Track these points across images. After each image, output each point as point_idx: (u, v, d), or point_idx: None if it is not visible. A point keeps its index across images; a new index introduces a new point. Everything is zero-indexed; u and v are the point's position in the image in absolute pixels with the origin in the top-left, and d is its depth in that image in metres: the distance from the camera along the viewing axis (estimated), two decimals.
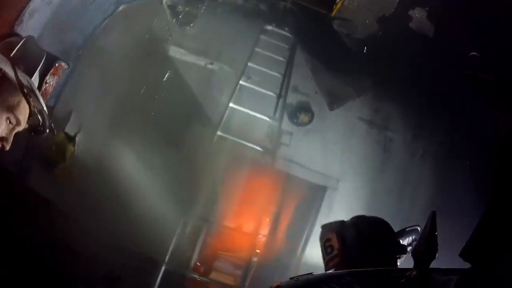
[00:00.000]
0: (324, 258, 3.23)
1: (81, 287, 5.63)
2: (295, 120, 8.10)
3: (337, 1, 7.33)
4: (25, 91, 2.49)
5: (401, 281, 1.96)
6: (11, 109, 2.45)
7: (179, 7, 7.63)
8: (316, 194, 8.07)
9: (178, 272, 6.94)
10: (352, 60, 7.88)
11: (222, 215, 7.68)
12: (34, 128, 2.75)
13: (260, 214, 7.63)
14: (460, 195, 7.12)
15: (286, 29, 8.07)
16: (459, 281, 1.95)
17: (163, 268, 6.81)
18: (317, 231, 7.81)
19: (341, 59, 7.94)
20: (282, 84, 7.87)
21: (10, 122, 2.52)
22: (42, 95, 2.91)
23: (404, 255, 3.11)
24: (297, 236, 7.97)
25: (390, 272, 2.24)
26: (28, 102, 2.57)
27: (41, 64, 3.68)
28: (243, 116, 7.57)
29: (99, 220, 6.14)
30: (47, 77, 4.13)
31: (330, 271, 3.08)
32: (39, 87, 3.80)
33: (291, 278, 2.36)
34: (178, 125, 7.41)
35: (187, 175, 7.18)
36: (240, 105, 7.53)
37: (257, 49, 7.83)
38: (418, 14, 7.10)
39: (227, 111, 7.49)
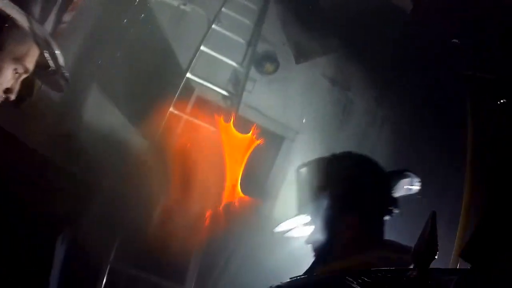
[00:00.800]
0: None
1: (45, 224, 5.59)
2: (260, 68, 8.21)
3: None
4: (37, 40, 2.41)
5: (401, 281, 2.09)
6: (19, 59, 2.40)
7: None
8: (273, 143, 8.24)
9: None
10: (324, 18, 7.96)
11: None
12: (43, 70, 2.65)
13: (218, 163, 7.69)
14: (418, 168, 7.35)
15: None
16: (459, 281, 2.09)
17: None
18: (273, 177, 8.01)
19: (313, 15, 8.02)
20: (252, 32, 7.94)
21: (17, 72, 2.43)
22: (57, 35, 2.83)
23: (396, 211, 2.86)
24: (253, 185, 8.12)
25: (390, 272, 2.26)
26: (40, 49, 2.46)
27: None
28: (211, 60, 7.59)
29: (68, 158, 6.09)
30: (65, 16, 3.95)
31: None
32: (55, 28, 3.62)
33: (291, 278, 2.44)
34: (147, 68, 7.31)
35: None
36: (210, 48, 7.53)
37: None
38: None
39: (197, 54, 7.48)
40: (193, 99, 7.75)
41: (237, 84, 7.90)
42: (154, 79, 7.30)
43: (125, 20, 7.17)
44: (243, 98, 7.84)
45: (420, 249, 1.96)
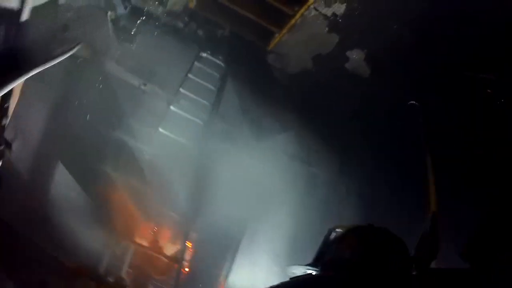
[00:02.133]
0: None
1: None
2: (220, 148, 8.15)
3: (275, 35, 7.54)
4: None
5: (401, 281, 2.04)
6: None
7: (122, 22, 7.56)
8: (238, 225, 8.08)
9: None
10: (281, 94, 8.08)
11: (145, 236, 7.52)
12: None
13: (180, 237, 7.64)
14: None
15: (220, 57, 8.26)
16: (459, 281, 2.05)
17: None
18: (238, 262, 7.88)
19: (270, 92, 8.11)
20: (210, 113, 7.98)
21: None
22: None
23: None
24: (219, 263, 7.94)
25: (390, 272, 2.26)
26: None
27: None
28: (172, 141, 7.56)
29: (33, 227, 5.93)
30: None
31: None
32: None
33: (291, 278, 2.43)
34: (107, 145, 7.25)
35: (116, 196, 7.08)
36: (169, 131, 7.49)
37: (190, 75, 8.01)
38: (355, 56, 7.44)
39: (155, 135, 7.45)
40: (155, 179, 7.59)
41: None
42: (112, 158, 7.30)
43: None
44: (205, 179, 7.78)
45: (420, 249, 2.02)
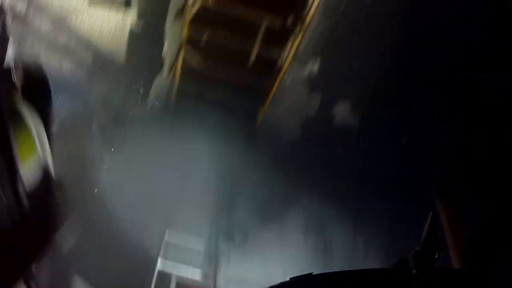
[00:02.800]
0: None
1: None
2: (231, 241, 8.08)
3: (259, 111, 7.68)
4: None
5: (402, 281, 2.03)
6: None
7: (107, 130, 7.69)
8: None
9: None
10: (279, 172, 8.11)
11: None
12: None
13: None
14: None
15: None
16: (459, 281, 2.05)
17: None
18: None
19: (269, 173, 8.16)
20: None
21: None
22: None
23: None
24: None
25: (390, 272, 2.27)
26: None
27: None
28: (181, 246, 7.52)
29: None
30: None
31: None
32: None
33: (291, 278, 2.52)
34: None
35: None
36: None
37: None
38: (340, 111, 7.56)
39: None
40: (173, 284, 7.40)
41: (212, 261, 7.71)
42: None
43: None
44: (225, 273, 7.73)
45: (420, 249, 2.02)
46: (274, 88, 7.37)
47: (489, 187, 5.75)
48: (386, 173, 7.55)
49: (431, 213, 2.07)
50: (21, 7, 6.93)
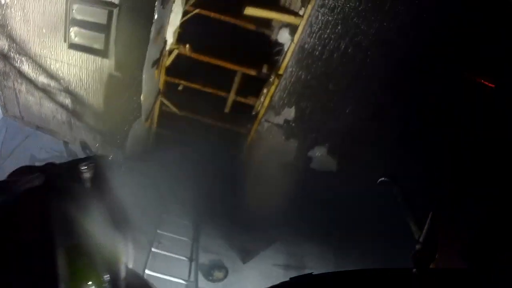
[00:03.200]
0: None
1: None
2: (211, 278, 8.17)
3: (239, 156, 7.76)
4: None
5: (401, 281, 2.06)
6: None
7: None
8: None
9: None
10: (260, 214, 8.17)
11: None
12: None
13: None
14: None
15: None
16: (459, 281, 2.07)
17: None
18: None
19: (247, 212, 8.20)
20: (191, 247, 8.01)
21: None
22: None
23: None
24: None
25: (390, 272, 2.28)
26: None
27: None
28: (161, 281, 7.49)
29: None
30: None
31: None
32: None
33: (291, 278, 2.45)
34: None
35: None
36: (155, 271, 7.47)
37: (164, 216, 8.03)
38: (318, 153, 7.65)
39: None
40: None
41: None
42: None
43: None
44: None
45: (420, 249, 2.01)
46: (251, 135, 7.46)
47: (489, 187, 5.78)
48: (367, 213, 7.61)
49: (431, 213, 2.09)
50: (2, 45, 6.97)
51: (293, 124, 7.56)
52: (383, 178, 6.90)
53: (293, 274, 8.12)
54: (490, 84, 6.46)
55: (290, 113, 7.44)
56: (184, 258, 7.93)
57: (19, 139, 6.81)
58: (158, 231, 7.92)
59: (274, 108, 7.43)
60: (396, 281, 2.11)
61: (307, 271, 7.95)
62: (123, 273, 1.88)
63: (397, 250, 7.10)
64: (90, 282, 1.78)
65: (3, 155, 5.85)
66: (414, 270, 2.03)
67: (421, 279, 1.99)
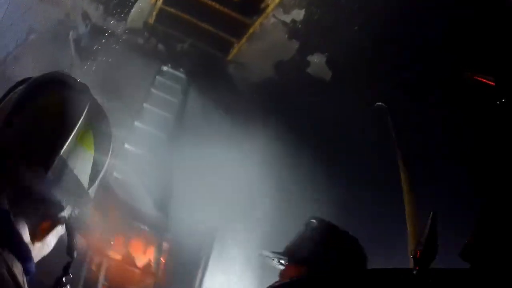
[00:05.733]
0: None
1: None
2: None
3: (234, 45, 7.67)
4: None
5: (401, 281, 2.09)
6: None
7: (83, 41, 7.63)
8: (209, 233, 8.15)
9: None
10: (244, 104, 8.15)
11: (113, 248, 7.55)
12: None
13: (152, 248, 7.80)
14: None
15: (181, 70, 8.31)
16: (459, 281, 2.11)
17: None
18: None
19: (233, 102, 8.18)
20: (174, 126, 8.08)
21: None
22: None
23: None
24: (191, 272, 8.03)
25: (390, 272, 2.30)
26: None
27: None
28: (137, 157, 7.59)
29: None
30: None
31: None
32: None
33: (291, 278, 2.54)
34: None
35: None
36: (134, 145, 7.58)
37: (152, 90, 8.03)
38: (316, 60, 7.59)
39: (121, 151, 7.51)
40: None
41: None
42: None
43: None
44: None
45: (420, 249, 1.98)
46: (254, 27, 7.35)
47: (490, 187, 5.79)
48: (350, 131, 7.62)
49: (431, 213, 2.10)
50: None
51: (300, 26, 7.46)
52: (380, 103, 6.94)
53: (270, 171, 8.30)
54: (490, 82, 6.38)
55: (299, 14, 7.33)
56: (163, 134, 8.07)
57: (20, 12, 6.67)
58: (144, 104, 7.98)
59: (284, 6, 7.30)
60: (396, 281, 2.12)
61: (285, 172, 8.04)
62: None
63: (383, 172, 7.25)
64: None
65: (3, 26, 5.75)
66: (414, 270, 2.04)
67: (421, 279, 2.01)
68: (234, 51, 7.87)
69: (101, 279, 7.34)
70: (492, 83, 6.20)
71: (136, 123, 7.87)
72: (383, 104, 6.73)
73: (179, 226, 7.80)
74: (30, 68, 6.89)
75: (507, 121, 6.10)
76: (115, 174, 7.49)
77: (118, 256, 7.63)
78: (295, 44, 7.71)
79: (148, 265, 7.73)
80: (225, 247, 8.04)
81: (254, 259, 7.93)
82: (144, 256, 7.77)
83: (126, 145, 7.67)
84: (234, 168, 8.31)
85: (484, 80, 6.26)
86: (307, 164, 8.47)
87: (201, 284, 8.09)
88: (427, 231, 2.08)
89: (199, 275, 8.17)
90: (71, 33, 7.59)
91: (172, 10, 7.85)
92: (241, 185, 8.26)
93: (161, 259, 7.92)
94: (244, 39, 7.65)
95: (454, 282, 2.14)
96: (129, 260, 7.69)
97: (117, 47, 8.13)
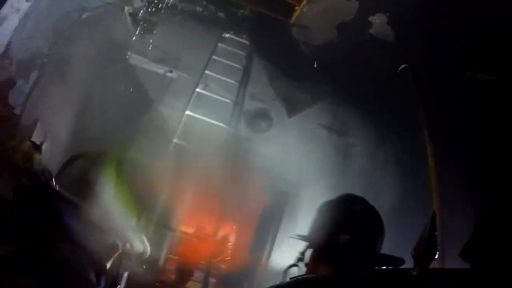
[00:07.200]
0: None
1: None
2: (254, 127, 8.27)
3: (296, 8, 7.60)
4: None
5: (401, 281, 2.08)
6: None
7: (140, 14, 7.77)
8: (278, 200, 8.20)
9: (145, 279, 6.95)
10: (309, 67, 8.12)
11: (184, 222, 7.68)
12: None
13: (223, 220, 7.80)
14: (423, 203, 7.33)
15: (244, 36, 8.43)
16: (459, 281, 2.09)
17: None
18: (280, 238, 7.96)
19: (298, 66, 8.20)
20: (238, 91, 8.10)
21: None
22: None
23: None
24: (261, 243, 8.08)
25: (390, 272, 2.36)
26: None
27: None
28: (201, 124, 7.68)
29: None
30: None
31: None
32: None
33: (291, 278, 2.49)
34: (136, 132, 7.42)
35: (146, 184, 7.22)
36: (198, 113, 7.64)
37: (214, 57, 8.22)
38: (378, 20, 7.42)
39: (183, 119, 7.60)
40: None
41: (232, 146, 7.92)
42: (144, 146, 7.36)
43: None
44: (241, 159, 7.86)
45: (420, 249, 2.01)
46: None
47: (490, 186, 5.77)
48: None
49: (432, 212, 2.15)
50: None
51: None
52: (405, 65, 6.79)
53: (335, 138, 8.31)
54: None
55: None
56: (228, 100, 8.13)
57: None
58: (206, 71, 8.04)
59: None
60: (396, 281, 2.15)
61: (349, 139, 8.06)
62: None
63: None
64: None
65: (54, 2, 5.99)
66: (414, 270, 2.06)
67: (421, 279, 2.03)
68: (296, 13, 7.78)
69: (164, 252, 7.48)
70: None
71: (199, 90, 7.97)
72: (406, 65, 6.60)
73: (250, 195, 7.99)
74: (84, 45, 7.10)
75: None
76: (175, 140, 7.66)
77: (190, 230, 7.86)
78: (354, 4, 7.54)
79: (221, 238, 7.92)
80: (294, 216, 8.09)
81: None
82: (215, 228, 7.91)
83: (188, 112, 7.82)
84: (301, 134, 8.35)
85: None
86: (375, 126, 8.42)
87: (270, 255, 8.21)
88: (427, 231, 2.08)
89: (268, 245, 8.28)
90: (126, 8, 7.73)
91: None
92: (309, 152, 8.29)
93: (231, 231, 8.17)
94: (304, 1, 7.54)
95: (454, 282, 2.15)
96: (201, 233, 7.89)
97: (174, 17, 8.24)
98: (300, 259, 2.82)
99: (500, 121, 6.09)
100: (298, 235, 2.88)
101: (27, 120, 6.27)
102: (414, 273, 2.08)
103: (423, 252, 2.04)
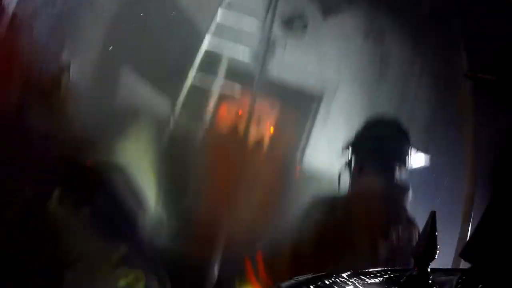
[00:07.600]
0: None
1: None
2: (289, 27, 8.16)
3: None
4: None
5: (401, 281, 2.11)
6: None
7: None
8: (312, 103, 8.17)
9: None
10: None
11: None
12: None
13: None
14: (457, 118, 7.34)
15: None
16: (459, 281, 2.11)
17: None
18: (314, 138, 7.99)
19: None
20: None
21: None
22: None
23: None
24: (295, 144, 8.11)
25: (390, 272, 2.40)
26: None
27: None
28: (234, 21, 7.59)
29: None
30: None
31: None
32: None
33: (290, 279, 2.52)
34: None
35: None
36: (230, 9, 7.56)
37: None
38: None
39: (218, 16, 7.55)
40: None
41: (264, 47, 7.86)
42: (173, 49, 7.27)
43: None
44: (275, 62, 7.80)
45: (420, 249, 2.05)
46: None
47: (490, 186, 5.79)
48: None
49: (431, 212, 2.18)
50: None
51: None
52: None
53: (371, 46, 8.21)
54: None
55: None
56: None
57: None
58: None
59: None
60: (396, 281, 2.18)
61: (384, 48, 7.99)
62: None
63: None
64: None
65: None
66: (414, 270, 2.08)
67: (421, 279, 2.05)
68: None
69: None
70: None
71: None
72: None
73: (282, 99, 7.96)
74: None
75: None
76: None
77: None
78: None
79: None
80: (329, 118, 8.10)
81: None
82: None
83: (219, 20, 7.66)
84: (336, 39, 8.25)
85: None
86: (412, 35, 8.33)
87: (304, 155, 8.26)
88: (427, 230, 2.08)
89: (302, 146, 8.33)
90: None
91: None
92: (344, 58, 8.21)
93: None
94: None
95: (454, 282, 2.20)
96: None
97: None
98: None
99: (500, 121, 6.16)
100: None
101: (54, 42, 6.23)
102: (414, 273, 2.13)
103: (423, 252, 2.07)
